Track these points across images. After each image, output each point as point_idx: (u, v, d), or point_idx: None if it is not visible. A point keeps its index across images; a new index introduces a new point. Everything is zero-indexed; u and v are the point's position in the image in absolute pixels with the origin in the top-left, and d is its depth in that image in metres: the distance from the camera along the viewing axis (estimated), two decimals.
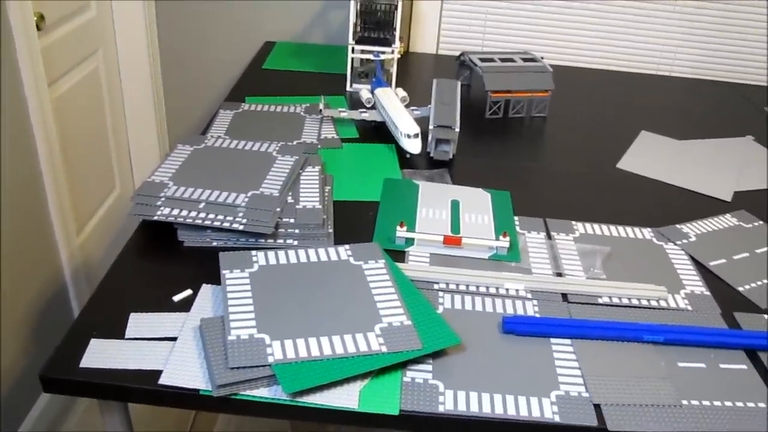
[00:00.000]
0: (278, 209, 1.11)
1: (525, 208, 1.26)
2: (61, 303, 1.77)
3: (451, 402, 0.83)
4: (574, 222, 1.24)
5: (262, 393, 0.82)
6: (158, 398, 0.83)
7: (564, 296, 1.04)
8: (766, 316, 1.06)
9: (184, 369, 0.84)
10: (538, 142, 1.59)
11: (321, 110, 1.52)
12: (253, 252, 1.03)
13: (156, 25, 2.15)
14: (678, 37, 2.18)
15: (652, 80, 2.14)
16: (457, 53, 1.82)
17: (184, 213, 1.08)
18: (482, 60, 1.71)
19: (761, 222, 1.32)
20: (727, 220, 1.32)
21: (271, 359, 0.84)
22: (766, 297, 1.11)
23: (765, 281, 1.15)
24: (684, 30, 2.17)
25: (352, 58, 1.73)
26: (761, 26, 2.17)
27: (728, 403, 0.89)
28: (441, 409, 0.82)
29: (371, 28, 1.79)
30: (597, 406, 0.86)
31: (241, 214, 1.09)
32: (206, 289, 0.98)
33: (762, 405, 0.89)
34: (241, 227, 1.06)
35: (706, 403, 0.88)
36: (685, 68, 2.24)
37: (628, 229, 1.24)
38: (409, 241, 1.11)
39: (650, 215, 1.30)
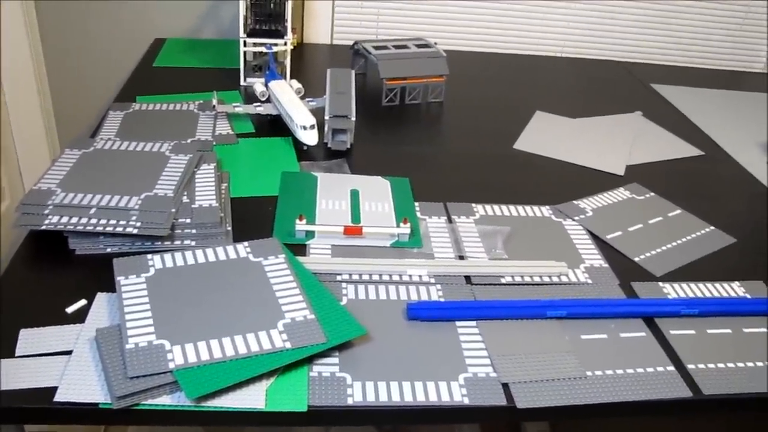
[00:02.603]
0: (173, 210, 1.08)
1: (425, 194, 1.27)
2: None
3: (359, 394, 0.83)
4: (474, 204, 1.25)
5: (165, 401, 0.79)
6: (55, 417, 0.79)
7: (467, 278, 1.05)
8: (660, 283, 1.10)
9: (82, 383, 0.81)
10: (435, 127, 1.60)
11: (214, 106, 1.48)
12: (149, 256, 1.00)
13: (38, 26, 2.06)
14: (567, 19, 2.23)
15: (544, 61, 2.19)
16: (352, 42, 1.81)
17: (74, 220, 1.04)
18: (376, 48, 1.71)
19: (653, 194, 1.37)
20: (621, 194, 1.36)
21: (171, 365, 0.81)
22: (660, 265, 1.14)
23: (658, 250, 1.18)
24: (572, 11, 2.22)
25: (245, 52, 1.70)
26: (643, 5, 2.24)
27: (630, 371, 0.91)
28: (350, 401, 0.81)
29: (263, 20, 1.76)
30: (505, 385, 0.86)
31: (134, 218, 1.05)
32: (101, 298, 0.94)
33: (661, 369, 0.92)
34: (135, 231, 1.02)
35: (609, 372, 0.91)
36: (575, 48, 2.29)
37: (527, 207, 1.26)
38: (310, 234, 1.10)
39: (548, 193, 1.32)
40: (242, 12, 1.66)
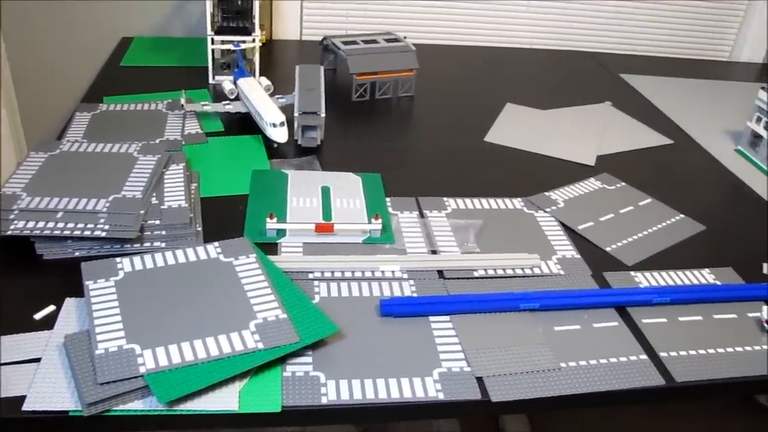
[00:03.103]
0: (142, 212, 1.07)
1: (397, 189, 1.26)
2: None
3: (333, 392, 0.82)
4: (445, 198, 1.25)
5: (137, 406, 0.78)
6: (24, 426, 0.78)
7: (440, 273, 1.05)
8: (632, 272, 1.10)
9: (51, 391, 0.79)
10: (406, 122, 1.60)
11: (183, 105, 1.47)
12: (118, 259, 0.99)
13: (1, 26, 2.03)
14: (536, 11, 2.24)
15: (514, 53, 2.20)
16: (321, 38, 1.80)
17: (41, 224, 1.02)
18: (345, 43, 1.70)
19: (623, 183, 1.38)
20: (592, 184, 1.36)
21: (142, 369, 0.80)
22: (631, 254, 1.15)
23: (629, 240, 1.19)
24: (542, 3, 2.23)
25: (213, 50, 1.68)
26: None
27: (603, 361, 0.92)
28: (324, 400, 0.81)
29: (230, 17, 1.75)
30: (480, 379, 0.86)
31: (102, 221, 1.04)
32: (70, 303, 0.93)
33: (634, 358, 0.93)
34: (103, 234, 1.01)
35: (583, 363, 0.91)
36: (545, 40, 2.30)
37: (499, 200, 1.26)
38: (281, 233, 1.09)
39: (520, 185, 1.33)
40: (209, 9, 1.64)
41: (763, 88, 1.55)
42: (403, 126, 1.57)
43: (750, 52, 2.35)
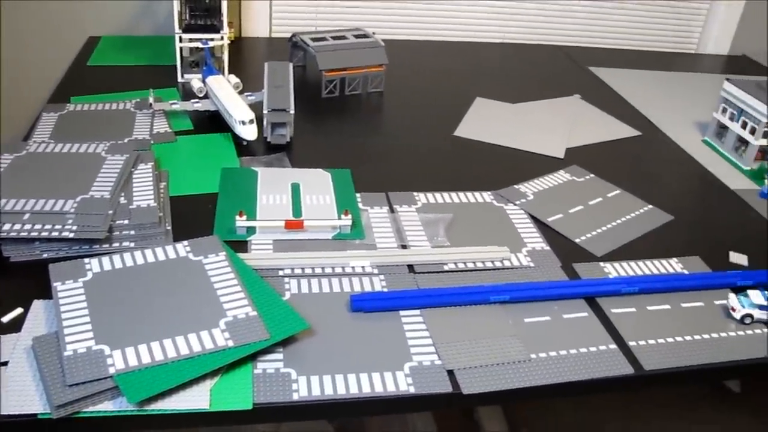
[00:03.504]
0: (110, 212, 1.06)
1: (367, 184, 1.26)
2: None
3: (305, 388, 0.82)
4: (415, 193, 1.25)
5: (107, 407, 0.78)
6: None
7: (410, 267, 1.05)
8: (601, 263, 1.11)
9: (19, 394, 0.79)
10: (376, 118, 1.60)
11: (151, 104, 1.46)
12: (86, 259, 0.98)
13: None
14: (506, 5, 2.24)
15: (484, 48, 2.20)
16: (290, 35, 1.79)
17: (7, 226, 1.01)
18: (314, 40, 1.69)
19: (592, 175, 1.39)
20: (561, 176, 1.37)
21: (112, 370, 0.80)
22: (600, 245, 1.16)
23: (598, 231, 1.20)
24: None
25: (181, 48, 1.67)
26: None
27: (573, 351, 0.93)
28: (295, 396, 0.81)
29: (198, 15, 1.74)
30: (450, 372, 0.87)
31: (70, 221, 1.03)
32: (38, 306, 0.92)
33: (603, 347, 0.94)
34: (71, 235, 1.00)
35: (553, 353, 0.92)
36: (515, 34, 2.30)
37: (469, 194, 1.27)
38: (251, 230, 1.09)
39: (489, 179, 1.33)
40: (176, 7, 1.63)
41: (728, 79, 1.57)
42: (372, 122, 1.57)
43: (716, 44, 2.38)
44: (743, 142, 1.52)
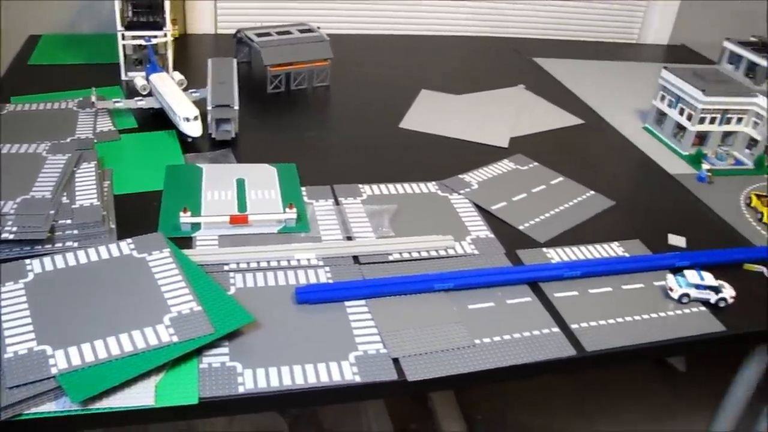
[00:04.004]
0: (51, 212, 1.05)
1: (313, 178, 1.27)
2: None
3: (251, 381, 0.82)
4: (361, 185, 1.26)
5: (50, 408, 0.77)
6: None
7: (355, 259, 1.06)
8: (544, 249, 1.14)
9: None
10: (322, 112, 1.60)
11: (94, 103, 1.44)
12: (27, 261, 0.97)
13: None
14: None
15: (430, 40, 2.22)
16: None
17: None
18: (258, 35, 1.69)
19: (536, 163, 1.41)
20: (505, 165, 1.39)
21: (54, 370, 0.79)
22: (544, 232, 1.18)
23: (542, 217, 1.22)
24: None
25: (124, 46, 1.65)
26: None
27: (517, 335, 0.95)
28: (241, 389, 0.81)
29: (141, 12, 1.72)
30: (396, 360, 0.88)
31: (10, 223, 1.01)
32: None
33: (546, 331, 0.96)
34: (11, 236, 0.99)
35: (497, 338, 0.94)
36: (461, 26, 2.32)
37: (414, 185, 1.28)
38: (195, 226, 1.08)
39: (434, 169, 1.34)
40: (118, 5, 1.61)
41: (665, 67, 1.61)
42: (319, 116, 1.58)
43: (656, 34, 2.43)
44: (681, 128, 1.56)
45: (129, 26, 1.65)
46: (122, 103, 1.46)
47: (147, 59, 1.63)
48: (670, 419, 1.88)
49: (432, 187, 1.28)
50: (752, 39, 1.61)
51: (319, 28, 1.75)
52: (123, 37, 1.64)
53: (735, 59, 1.62)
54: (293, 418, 1.50)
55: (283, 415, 1.48)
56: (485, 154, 1.44)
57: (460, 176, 1.32)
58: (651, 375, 2.03)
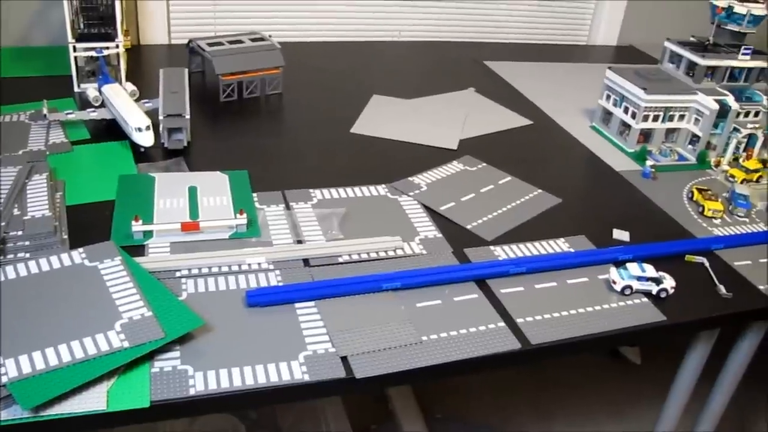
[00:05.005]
0: (3, 223, 1.05)
1: (264, 184, 1.28)
2: None
3: (201, 383, 0.84)
4: (311, 189, 1.28)
5: (1, 416, 0.78)
6: None
7: (305, 261, 1.08)
8: (491, 247, 1.17)
9: None
10: (274, 119, 1.62)
11: (45, 115, 1.44)
12: None
13: None
14: (403, 3, 2.29)
15: (382, 46, 2.25)
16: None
17: None
18: (210, 45, 1.70)
19: (484, 164, 1.44)
20: (454, 167, 1.42)
21: (5, 379, 0.80)
22: (491, 230, 1.21)
23: (489, 216, 1.25)
24: None
25: (75, 57, 1.65)
26: None
27: (464, 331, 0.97)
28: (192, 391, 0.83)
29: (93, 24, 1.72)
30: (344, 359, 0.90)
31: None
32: None
33: (492, 326, 0.99)
34: None
35: (444, 335, 0.96)
36: (411, 32, 2.35)
37: (364, 188, 1.30)
38: (147, 234, 1.10)
39: (384, 173, 1.37)
40: (68, 16, 1.61)
41: (610, 68, 1.65)
42: (271, 123, 1.60)
43: (604, 36, 2.48)
44: (626, 126, 1.60)
45: (80, 38, 1.65)
46: (74, 115, 1.46)
47: (99, 71, 1.63)
48: (627, 409, 1.93)
49: (382, 189, 1.30)
50: (692, 39, 1.66)
51: (270, 36, 1.77)
52: (75, 49, 1.64)
53: (676, 59, 1.67)
54: (251, 422, 1.51)
55: (241, 419, 1.50)
56: (435, 157, 1.46)
57: (409, 178, 1.35)
58: (607, 369, 2.08)
